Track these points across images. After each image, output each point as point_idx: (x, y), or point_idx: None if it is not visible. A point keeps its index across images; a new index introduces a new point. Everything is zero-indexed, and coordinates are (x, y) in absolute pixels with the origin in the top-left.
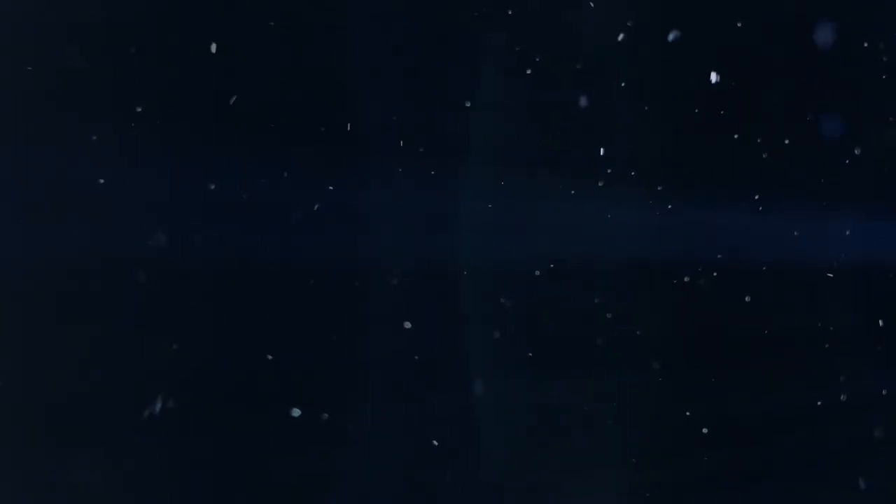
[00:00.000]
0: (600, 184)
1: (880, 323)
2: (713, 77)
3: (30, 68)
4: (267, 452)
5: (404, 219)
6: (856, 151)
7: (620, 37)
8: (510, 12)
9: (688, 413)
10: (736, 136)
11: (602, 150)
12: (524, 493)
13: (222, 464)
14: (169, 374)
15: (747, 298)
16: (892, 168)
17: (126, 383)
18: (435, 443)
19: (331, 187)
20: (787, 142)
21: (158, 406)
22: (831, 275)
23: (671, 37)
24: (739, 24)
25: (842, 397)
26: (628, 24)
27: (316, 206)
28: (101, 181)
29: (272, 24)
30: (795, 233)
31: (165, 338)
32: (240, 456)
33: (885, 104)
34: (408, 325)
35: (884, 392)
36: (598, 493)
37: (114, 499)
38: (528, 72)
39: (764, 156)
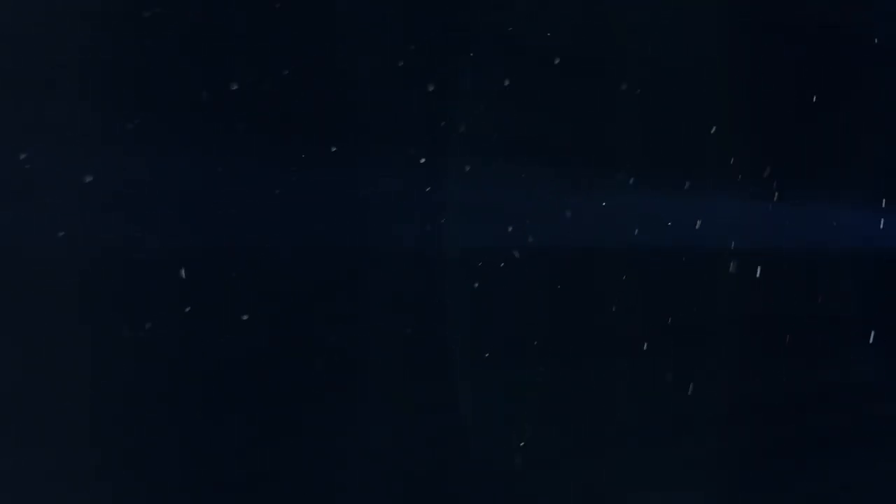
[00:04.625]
0: (599, 175)
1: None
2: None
3: (28, 66)
4: (266, 449)
5: (402, 211)
6: (863, 142)
7: (622, 29)
8: (507, 6)
9: (689, 403)
10: (729, 126)
11: (600, 142)
12: (527, 482)
13: (222, 461)
14: (169, 371)
15: (745, 287)
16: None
17: (123, 381)
18: (440, 433)
19: (329, 181)
20: (793, 133)
21: (155, 403)
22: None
23: (673, 30)
24: (742, 19)
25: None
26: (631, 14)
27: (315, 198)
28: (109, 179)
29: (269, 20)
30: (803, 222)
31: (166, 335)
32: (238, 453)
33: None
34: (407, 316)
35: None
36: (598, 482)
37: (111, 497)
38: (528, 66)
39: (764, 146)
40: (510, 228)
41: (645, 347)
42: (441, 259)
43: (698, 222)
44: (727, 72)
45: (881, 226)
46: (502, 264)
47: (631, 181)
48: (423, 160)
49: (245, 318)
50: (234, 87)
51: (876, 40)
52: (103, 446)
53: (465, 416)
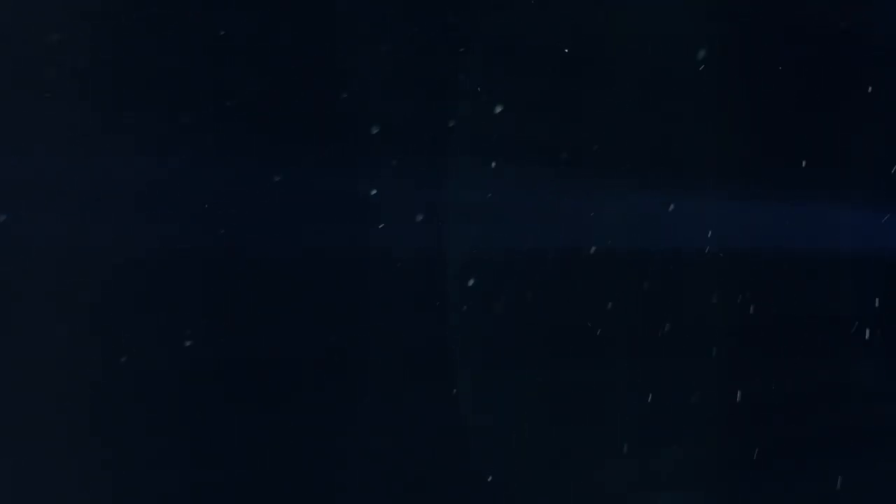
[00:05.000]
0: (599, 175)
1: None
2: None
3: (30, 69)
4: (266, 450)
5: (403, 211)
6: (863, 142)
7: (622, 29)
8: (508, 6)
9: (690, 404)
10: (729, 126)
11: (601, 142)
12: (529, 483)
13: (222, 462)
14: (171, 370)
15: (746, 287)
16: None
17: (122, 382)
18: (439, 435)
19: (328, 181)
20: (793, 133)
21: (154, 404)
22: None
23: (673, 30)
24: (742, 19)
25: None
26: (631, 14)
27: (319, 200)
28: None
29: (269, 19)
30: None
31: (169, 333)
32: (239, 453)
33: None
34: (407, 315)
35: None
36: (597, 483)
37: (110, 496)
38: (528, 66)
39: (764, 146)
40: (510, 229)
41: (645, 348)
42: (441, 260)
43: (698, 222)
44: (727, 72)
45: (881, 226)
46: (502, 265)
47: (631, 181)
48: (423, 160)
49: (239, 319)
50: (234, 87)
51: (876, 40)
52: (103, 448)
53: (465, 418)
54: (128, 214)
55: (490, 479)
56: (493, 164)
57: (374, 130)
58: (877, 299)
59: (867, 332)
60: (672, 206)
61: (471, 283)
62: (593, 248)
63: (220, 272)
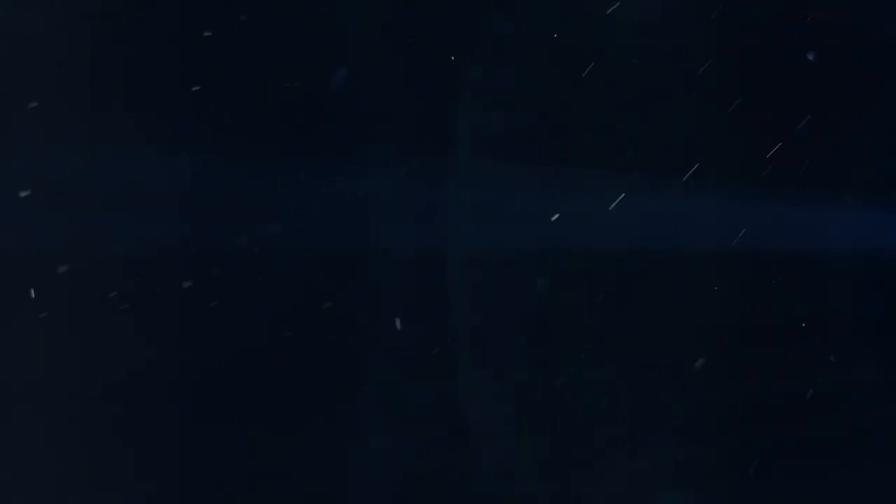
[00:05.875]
0: (598, 175)
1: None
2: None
3: (28, 66)
4: (265, 451)
5: (403, 211)
6: (864, 142)
7: (622, 29)
8: (509, 6)
9: (689, 404)
10: (729, 126)
11: (602, 141)
12: (529, 485)
13: (222, 462)
14: (171, 371)
15: (747, 286)
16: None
17: (122, 382)
18: (441, 434)
19: (329, 181)
20: (793, 133)
21: (155, 405)
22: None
23: (673, 30)
24: (742, 17)
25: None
26: (631, 14)
27: (319, 198)
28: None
29: (270, 19)
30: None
31: (168, 333)
32: (239, 454)
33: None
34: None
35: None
36: (597, 484)
37: (112, 496)
38: (529, 66)
39: (764, 146)
40: (510, 229)
41: (645, 349)
42: (441, 260)
43: (699, 223)
44: (727, 72)
45: (881, 226)
46: (502, 265)
47: (630, 181)
48: (423, 160)
49: (241, 319)
50: (234, 87)
51: (877, 40)
52: (103, 448)
53: (465, 417)
54: (126, 215)
55: (490, 478)
56: (493, 164)
57: (375, 130)
58: (877, 299)
59: (867, 332)
60: (671, 206)
61: (471, 283)
62: (595, 248)
63: (221, 272)
